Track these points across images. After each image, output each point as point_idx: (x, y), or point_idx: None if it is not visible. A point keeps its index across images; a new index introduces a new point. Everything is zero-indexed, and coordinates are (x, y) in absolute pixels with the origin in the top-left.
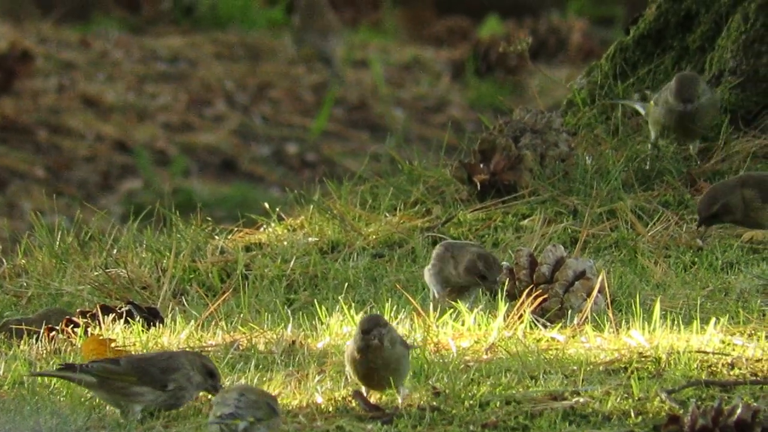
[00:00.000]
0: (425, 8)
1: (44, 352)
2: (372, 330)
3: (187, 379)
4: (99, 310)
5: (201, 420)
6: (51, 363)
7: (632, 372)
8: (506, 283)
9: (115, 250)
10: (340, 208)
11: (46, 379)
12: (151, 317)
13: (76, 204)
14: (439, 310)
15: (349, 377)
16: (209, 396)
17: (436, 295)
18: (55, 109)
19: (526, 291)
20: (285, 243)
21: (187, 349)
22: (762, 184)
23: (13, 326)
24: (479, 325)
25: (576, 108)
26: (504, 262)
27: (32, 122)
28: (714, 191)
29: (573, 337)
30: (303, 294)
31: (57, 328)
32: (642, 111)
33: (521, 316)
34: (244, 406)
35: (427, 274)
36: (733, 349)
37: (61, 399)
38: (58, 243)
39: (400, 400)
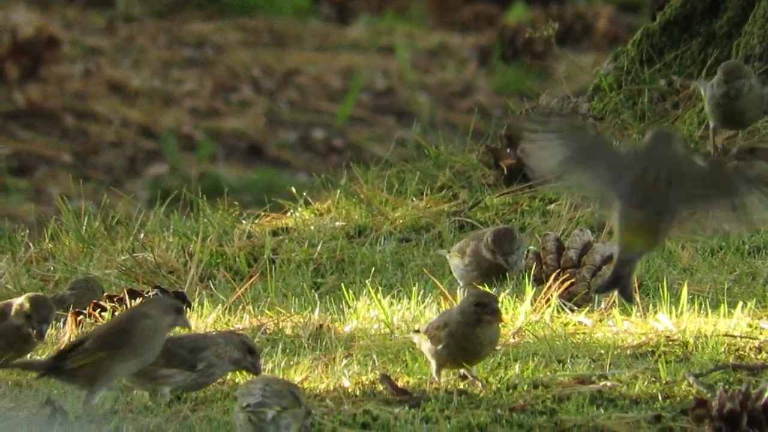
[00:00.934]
0: None
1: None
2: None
3: (218, 355)
4: (126, 294)
5: (228, 404)
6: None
7: (659, 356)
8: (533, 268)
9: (141, 235)
10: (366, 192)
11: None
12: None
13: (102, 189)
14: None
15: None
16: (243, 376)
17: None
18: (81, 94)
19: (554, 275)
20: (312, 227)
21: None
22: None
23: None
24: (507, 309)
25: (602, 93)
26: (531, 247)
27: (59, 108)
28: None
29: (600, 321)
30: (330, 278)
31: (84, 312)
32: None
33: (548, 300)
34: (270, 395)
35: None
36: (761, 333)
37: None
38: (84, 228)
39: None
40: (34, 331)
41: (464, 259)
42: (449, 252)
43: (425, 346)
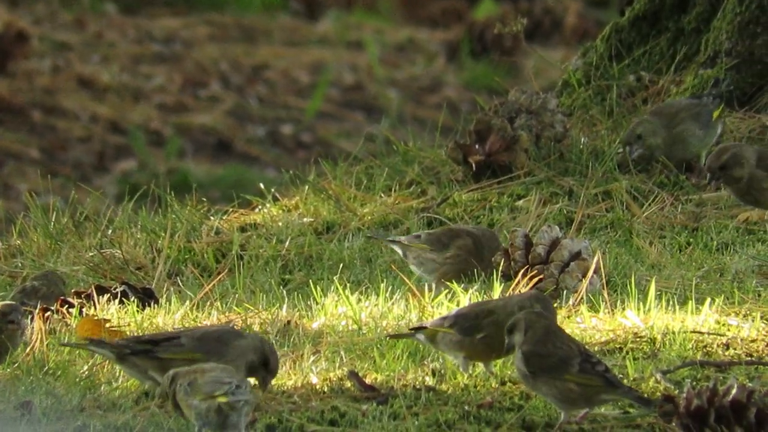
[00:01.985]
0: None
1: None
2: None
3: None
4: (94, 290)
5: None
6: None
7: (627, 352)
8: (502, 264)
9: (110, 231)
10: (335, 188)
11: (39, 358)
12: (146, 298)
13: (70, 185)
14: (434, 291)
15: None
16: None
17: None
18: (49, 89)
19: (522, 271)
20: (280, 223)
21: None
22: None
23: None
24: None
25: (571, 89)
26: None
27: (27, 103)
28: (724, 145)
29: (568, 317)
30: (298, 274)
31: (52, 308)
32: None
33: None
34: (239, 384)
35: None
36: (728, 330)
37: (56, 379)
38: (53, 224)
39: None
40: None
41: (444, 252)
42: (407, 242)
43: (449, 338)
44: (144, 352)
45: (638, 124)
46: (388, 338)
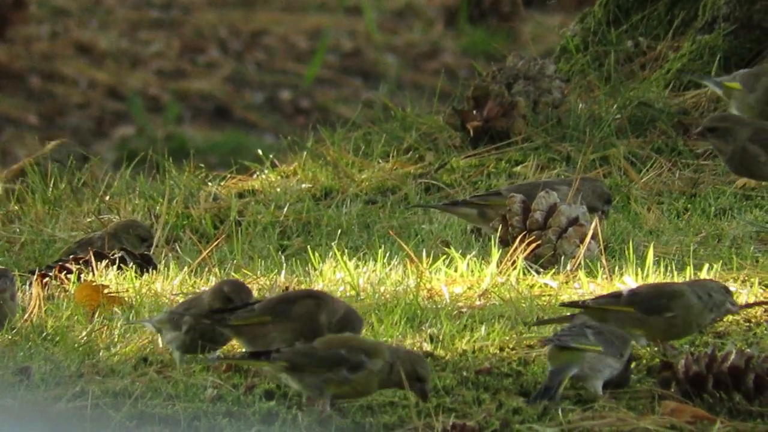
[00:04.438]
0: None
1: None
2: None
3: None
4: (92, 256)
5: (193, 366)
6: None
7: None
8: (499, 230)
9: (108, 197)
10: (333, 154)
11: (37, 323)
12: (144, 264)
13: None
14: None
15: None
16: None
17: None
18: (48, 55)
19: (519, 237)
20: (278, 189)
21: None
22: None
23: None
24: (472, 271)
25: (569, 55)
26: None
27: (25, 69)
28: (725, 114)
29: (566, 283)
30: (296, 240)
31: (51, 274)
32: (719, 91)
33: (514, 262)
34: None
35: None
36: None
37: (54, 345)
38: (51, 189)
39: None
40: None
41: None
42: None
43: (629, 316)
44: (220, 321)
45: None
46: (534, 325)
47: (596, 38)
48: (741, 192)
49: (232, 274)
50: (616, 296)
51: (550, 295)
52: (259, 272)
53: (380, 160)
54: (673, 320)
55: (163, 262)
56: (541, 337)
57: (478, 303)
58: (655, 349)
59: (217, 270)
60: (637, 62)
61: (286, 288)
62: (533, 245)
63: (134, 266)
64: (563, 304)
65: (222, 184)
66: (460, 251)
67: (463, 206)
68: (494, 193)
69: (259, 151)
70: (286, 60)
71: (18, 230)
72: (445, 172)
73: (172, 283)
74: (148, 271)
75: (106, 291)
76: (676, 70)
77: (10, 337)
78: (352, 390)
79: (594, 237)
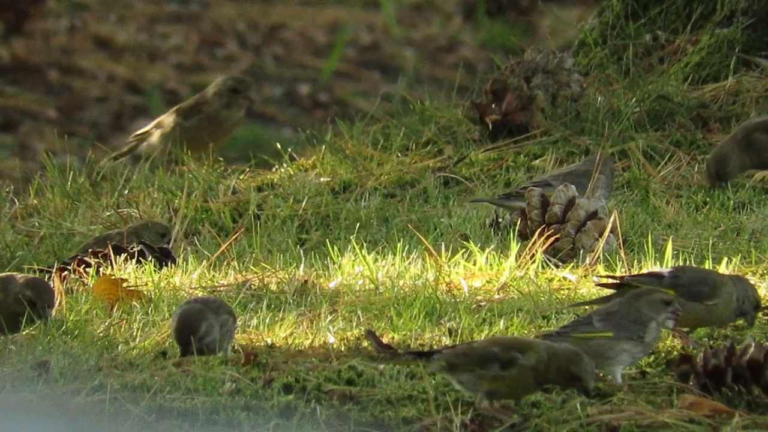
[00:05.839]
0: None
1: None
2: None
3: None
4: (111, 250)
5: (211, 360)
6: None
7: None
8: (518, 223)
9: (126, 191)
10: (352, 148)
11: (56, 317)
12: (163, 257)
13: (87, 144)
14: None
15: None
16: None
17: None
18: (66, 49)
19: (538, 231)
20: (297, 183)
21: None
22: None
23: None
24: (491, 264)
25: (587, 48)
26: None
27: (44, 63)
28: (711, 155)
29: (585, 276)
30: (315, 234)
31: (70, 267)
32: None
33: (533, 255)
34: None
35: None
36: None
37: (73, 339)
38: (69, 183)
39: None
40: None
41: None
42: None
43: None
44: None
45: None
46: (570, 307)
47: (615, 32)
48: (760, 185)
49: (251, 267)
50: (657, 276)
51: (569, 288)
52: (277, 266)
53: (399, 154)
54: (713, 309)
55: (182, 255)
56: (545, 332)
57: (497, 297)
58: (674, 341)
59: (236, 263)
60: (655, 56)
61: (305, 282)
62: (552, 239)
63: (153, 260)
64: (600, 285)
65: (241, 177)
66: (479, 245)
67: (516, 199)
68: (544, 183)
69: (278, 145)
70: (304, 54)
71: (37, 224)
72: (464, 165)
73: (191, 277)
74: (167, 265)
75: (124, 285)
76: (695, 63)
77: (28, 331)
78: (507, 387)
79: (613, 230)
